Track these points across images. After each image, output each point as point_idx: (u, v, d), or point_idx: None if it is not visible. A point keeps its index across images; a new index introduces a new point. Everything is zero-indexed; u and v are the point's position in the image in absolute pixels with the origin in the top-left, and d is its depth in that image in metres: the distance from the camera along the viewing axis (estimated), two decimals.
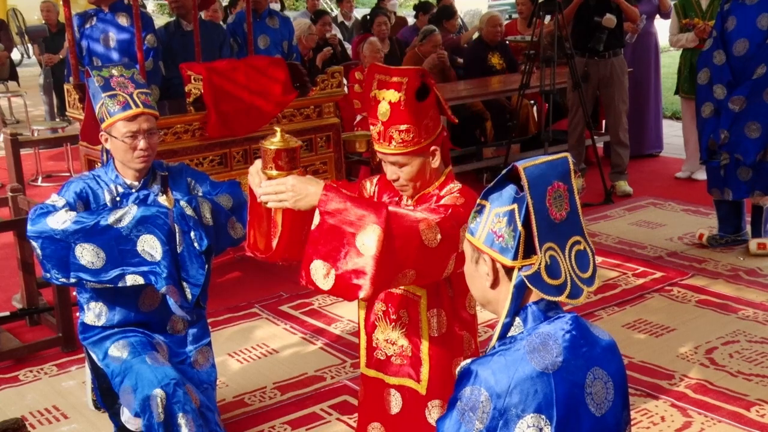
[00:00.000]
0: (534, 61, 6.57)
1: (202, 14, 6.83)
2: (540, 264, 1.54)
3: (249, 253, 2.32)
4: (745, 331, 4.26)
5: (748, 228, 5.42)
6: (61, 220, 2.80)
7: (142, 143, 2.92)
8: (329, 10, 12.47)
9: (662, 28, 7.68)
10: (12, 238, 4.62)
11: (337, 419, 3.58)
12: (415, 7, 9.62)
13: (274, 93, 5.04)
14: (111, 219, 2.80)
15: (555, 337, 1.55)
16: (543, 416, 1.49)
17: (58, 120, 9.64)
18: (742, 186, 5.15)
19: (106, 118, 2.93)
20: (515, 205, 1.56)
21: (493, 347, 1.60)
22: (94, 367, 3.08)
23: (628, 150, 6.88)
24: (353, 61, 8.04)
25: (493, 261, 1.60)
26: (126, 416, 3.02)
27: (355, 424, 3.27)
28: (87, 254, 2.80)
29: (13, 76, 10.85)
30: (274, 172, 2.13)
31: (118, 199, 2.99)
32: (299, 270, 2.04)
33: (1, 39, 10.51)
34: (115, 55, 5.31)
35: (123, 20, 5.34)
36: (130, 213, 2.82)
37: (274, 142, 2.14)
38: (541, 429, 1.49)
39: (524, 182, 1.53)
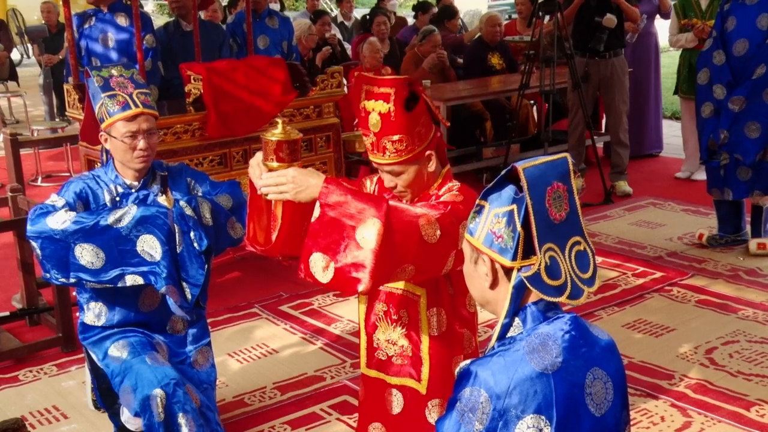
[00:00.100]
0: (534, 61, 6.57)
1: (202, 14, 6.83)
2: (540, 265, 1.54)
3: (249, 247, 2.31)
4: (745, 331, 4.26)
5: (748, 228, 5.42)
6: (61, 220, 2.80)
7: (141, 143, 2.92)
8: (329, 10, 12.47)
9: (662, 28, 7.68)
10: (12, 238, 4.62)
11: (337, 419, 3.58)
12: (414, 7, 9.62)
13: (274, 93, 5.04)
14: (111, 219, 2.80)
15: (554, 337, 1.55)
16: (543, 417, 1.49)
17: (57, 120, 9.64)
18: (741, 186, 5.15)
19: (105, 118, 2.93)
20: (514, 206, 1.56)
21: (493, 348, 1.60)
22: (94, 367, 3.08)
23: (628, 150, 6.89)
24: (353, 61, 8.04)
25: (492, 261, 1.60)
26: (126, 416, 3.02)
27: (355, 424, 3.27)
28: (87, 254, 2.80)
29: (13, 76, 10.85)
30: (275, 164, 2.12)
31: (117, 199, 2.99)
32: (298, 263, 2.03)
33: (0, 39, 10.51)
34: (113, 55, 5.31)
35: (122, 20, 5.35)
36: (129, 213, 2.82)
37: (276, 133, 2.13)
38: (541, 430, 1.49)
39: (523, 183, 1.53)
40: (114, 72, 2.99)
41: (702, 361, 3.97)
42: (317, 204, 2.01)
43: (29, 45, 12.00)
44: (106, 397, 3.10)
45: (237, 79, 4.95)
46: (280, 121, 2.17)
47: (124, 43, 5.32)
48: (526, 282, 1.55)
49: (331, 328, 4.48)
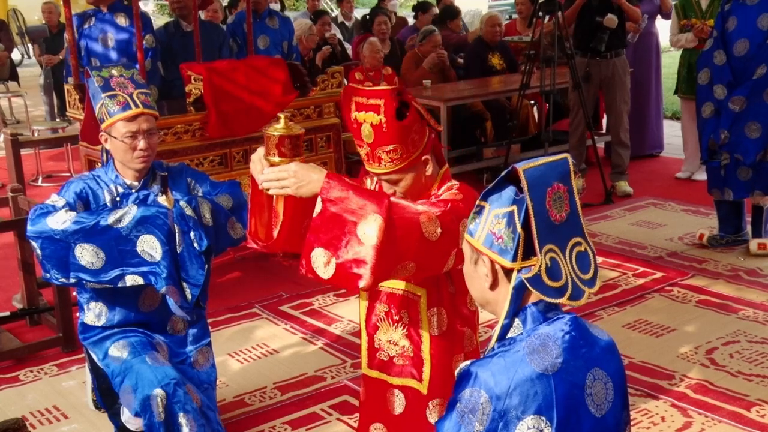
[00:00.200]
0: (534, 61, 6.57)
1: (202, 14, 6.83)
2: (540, 266, 1.54)
3: (250, 243, 2.30)
4: (745, 331, 4.26)
5: (749, 228, 5.42)
6: (61, 221, 2.80)
7: (141, 143, 2.92)
8: (329, 10, 12.47)
9: (663, 28, 7.68)
10: (12, 238, 4.62)
11: (338, 419, 3.58)
12: (414, 8, 9.61)
13: (274, 93, 5.04)
14: (111, 219, 2.80)
15: (554, 338, 1.54)
16: (543, 418, 1.49)
17: (58, 120, 9.64)
18: (742, 186, 5.15)
19: (105, 119, 2.93)
20: (514, 207, 1.55)
21: (492, 348, 1.60)
22: (94, 368, 3.08)
23: (629, 150, 6.88)
24: (353, 61, 8.04)
25: (492, 262, 1.60)
26: (126, 416, 3.02)
27: (355, 425, 3.27)
28: (87, 254, 2.80)
29: (14, 77, 10.86)
30: (277, 159, 2.12)
31: (117, 199, 2.99)
32: (300, 258, 2.03)
33: (1, 39, 10.51)
34: (113, 55, 5.31)
35: (121, 20, 5.35)
36: (129, 213, 2.82)
37: (278, 128, 2.13)
38: (541, 430, 1.49)
39: (524, 184, 1.53)
40: (114, 72, 2.99)
41: (702, 361, 3.97)
42: (319, 199, 2.00)
43: (30, 45, 12.01)
44: (106, 397, 3.10)
45: (237, 79, 4.95)
46: (282, 116, 2.16)
47: (124, 43, 5.32)
48: (527, 283, 1.55)
49: (331, 328, 4.48)
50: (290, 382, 3.92)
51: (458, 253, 2.11)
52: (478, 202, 1.63)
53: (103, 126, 2.95)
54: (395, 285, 2.36)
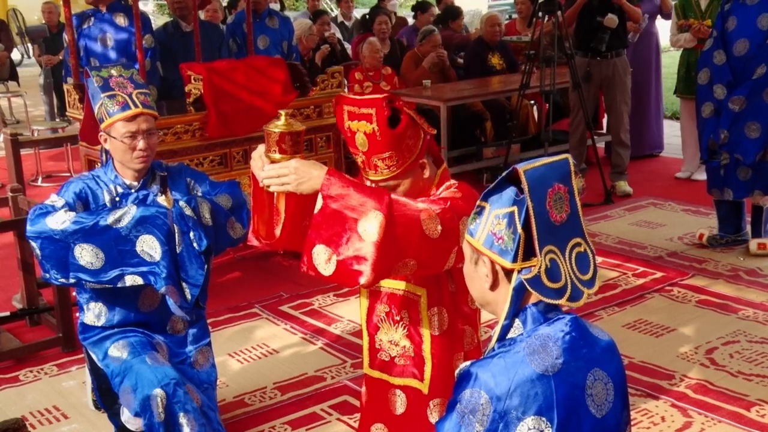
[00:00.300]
0: (534, 61, 6.57)
1: (202, 15, 6.82)
2: (540, 267, 1.54)
3: (253, 241, 2.29)
4: (745, 331, 4.26)
5: (749, 228, 5.42)
6: (61, 221, 2.80)
7: (141, 143, 2.92)
8: (329, 10, 12.47)
9: (663, 28, 7.68)
10: (12, 238, 4.62)
11: (338, 419, 3.58)
12: (414, 7, 9.62)
13: (274, 93, 5.04)
14: (110, 219, 2.80)
15: (555, 338, 1.54)
16: (544, 418, 1.49)
17: (58, 120, 9.64)
18: (741, 186, 5.15)
19: (105, 119, 2.93)
20: (515, 208, 1.55)
21: (492, 349, 1.60)
22: (94, 368, 3.08)
23: (629, 150, 6.89)
24: (353, 61, 8.04)
25: (493, 263, 1.59)
26: (126, 416, 3.02)
27: (355, 425, 3.27)
28: (86, 254, 2.80)
29: (14, 76, 10.85)
30: (278, 156, 2.11)
31: (117, 199, 2.98)
32: (301, 256, 2.02)
33: (1, 39, 10.51)
34: (113, 55, 5.31)
35: (121, 20, 5.35)
36: (129, 213, 2.82)
37: (278, 125, 2.12)
38: (542, 431, 1.49)
39: (524, 185, 1.53)
40: (113, 72, 2.99)
41: (702, 361, 3.97)
42: (319, 196, 2.00)
43: (30, 45, 12.01)
44: (106, 397, 3.10)
45: (237, 79, 4.95)
46: (283, 112, 2.15)
47: (123, 42, 5.32)
48: (526, 284, 1.55)
49: (331, 328, 4.48)
50: (290, 382, 3.92)
51: (459, 251, 2.11)
52: (478, 202, 1.63)
53: (102, 126, 2.95)
54: (395, 285, 2.36)
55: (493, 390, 1.50)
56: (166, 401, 2.78)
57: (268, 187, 2.11)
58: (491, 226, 1.58)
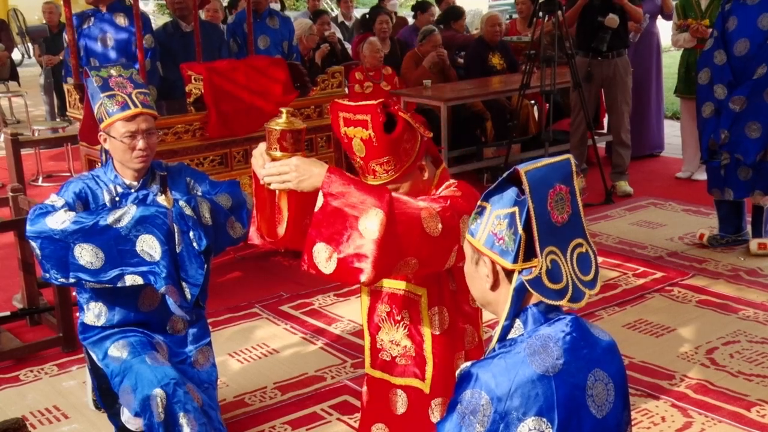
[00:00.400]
0: (534, 61, 6.57)
1: (202, 15, 6.82)
2: (541, 268, 1.54)
3: (255, 239, 2.29)
4: (745, 331, 4.26)
5: (749, 228, 5.42)
6: (60, 220, 2.80)
7: (140, 143, 2.92)
8: (329, 10, 12.47)
9: (664, 28, 7.68)
10: (12, 238, 4.62)
11: (338, 419, 3.58)
12: (414, 7, 9.61)
13: (275, 93, 5.04)
14: (110, 219, 2.80)
15: (555, 339, 1.54)
16: (544, 419, 1.49)
17: (58, 120, 9.65)
18: (742, 186, 5.15)
19: (104, 119, 2.92)
20: (516, 208, 1.55)
21: (493, 349, 1.60)
22: (94, 368, 3.08)
23: (630, 150, 6.88)
24: (354, 61, 8.03)
25: (493, 263, 1.59)
26: (126, 416, 3.02)
27: (355, 425, 3.26)
28: (86, 254, 2.80)
29: (14, 76, 10.86)
30: (279, 153, 2.11)
31: (117, 199, 2.98)
32: (302, 255, 2.02)
33: (1, 39, 10.52)
34: (113, 55, 5.31)
35: (121, 20, 5.35)
36: (129, 213, 2.82)
37: (279, 123, 2.12)
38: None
39: (525, 186, 1.53)
40: (113, 72, 2.99)
41: (703, 361, 3.97)
42: (320, 193, 2.00)
43: (30, 45, 12.01)
44: (105, 397, 3.09)
45: (237, 79, 4.95)
46: (284, 110, 2.15)
47: (123, 42, 5.32)
48: (527, 285, 1.55)
49: (331, 328, 4.48)
50: (290, 382, 3.92)
51: (459, 249, 2.11)
52: (479, 202, 1.62)
53: (102, 126, 2.95)
54: (396, 285, 2.36)
55: (493, 391, 1.50)
56: (166, 401, 2.78)
57: (269, 184, 2.11)
58: (492, 226, 1.58)
